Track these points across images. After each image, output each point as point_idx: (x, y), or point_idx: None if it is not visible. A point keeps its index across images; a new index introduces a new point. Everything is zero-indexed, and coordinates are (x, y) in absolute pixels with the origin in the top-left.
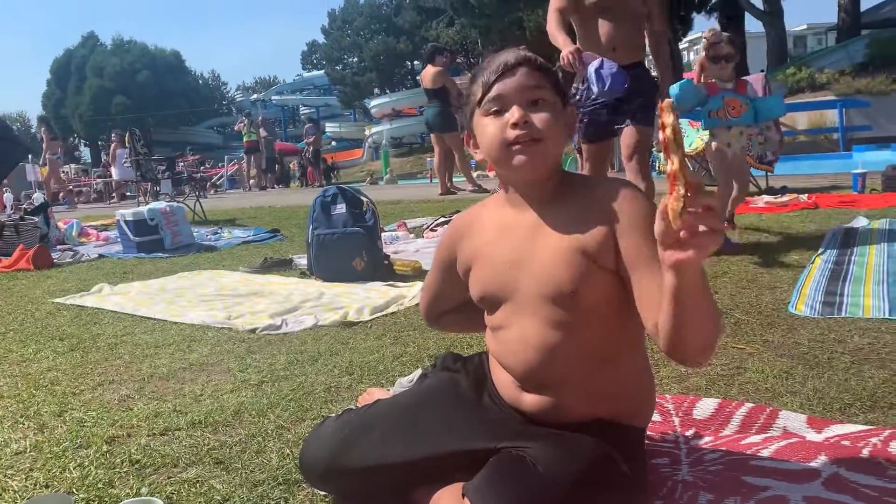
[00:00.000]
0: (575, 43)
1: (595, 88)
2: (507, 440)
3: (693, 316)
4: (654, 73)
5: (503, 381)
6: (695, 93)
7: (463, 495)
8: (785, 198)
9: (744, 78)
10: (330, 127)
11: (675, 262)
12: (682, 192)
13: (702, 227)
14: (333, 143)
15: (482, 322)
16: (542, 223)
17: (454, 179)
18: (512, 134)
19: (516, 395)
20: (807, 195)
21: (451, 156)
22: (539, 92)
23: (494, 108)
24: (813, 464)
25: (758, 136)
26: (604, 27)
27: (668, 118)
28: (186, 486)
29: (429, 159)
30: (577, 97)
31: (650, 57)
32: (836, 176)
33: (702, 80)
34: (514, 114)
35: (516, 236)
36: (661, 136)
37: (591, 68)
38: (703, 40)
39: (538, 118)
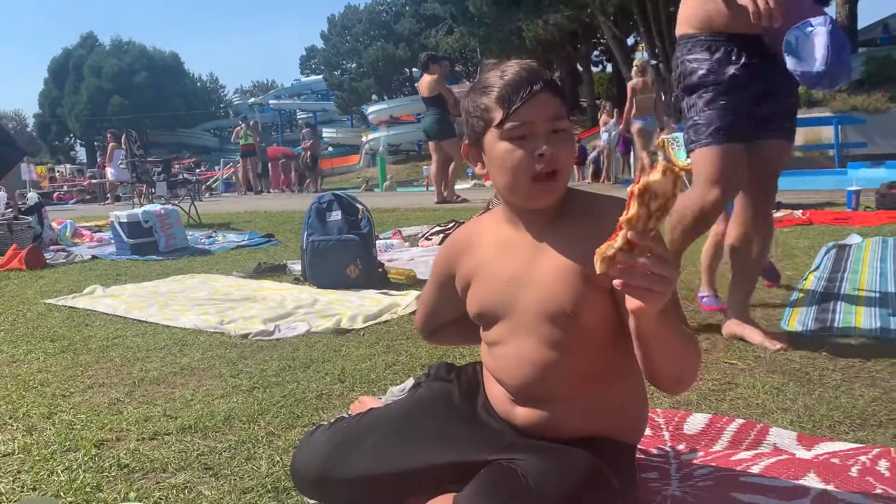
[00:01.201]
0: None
1: (811, 65)
2: (498, 452)
3: (659, 354)
4: None
5: (496, 395)
6: None
7: None
8: (779, 213)
9: None
10: (327, 132)
11: (629, 308)
12: (618, 245)
13: (640, 282)
14: (330, 148)
15: (478, 336)
16: (544, 241)
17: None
18: (539, 167)
19: (509, 408)
20: (801, 211)
21: (448, 164)
22: (560, 121)
23: (519, 135)
24: (802, 481)
25: None
26: None
27: (653, 176)
28: (174, 491)
29: (425, 167)
30: (709, 72)
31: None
32: (830, 192)
33: None
34: (545, 150)
35: (517, 254)
36: (631, 186)
37: (820, 32)
38: None
39: (561, 151)
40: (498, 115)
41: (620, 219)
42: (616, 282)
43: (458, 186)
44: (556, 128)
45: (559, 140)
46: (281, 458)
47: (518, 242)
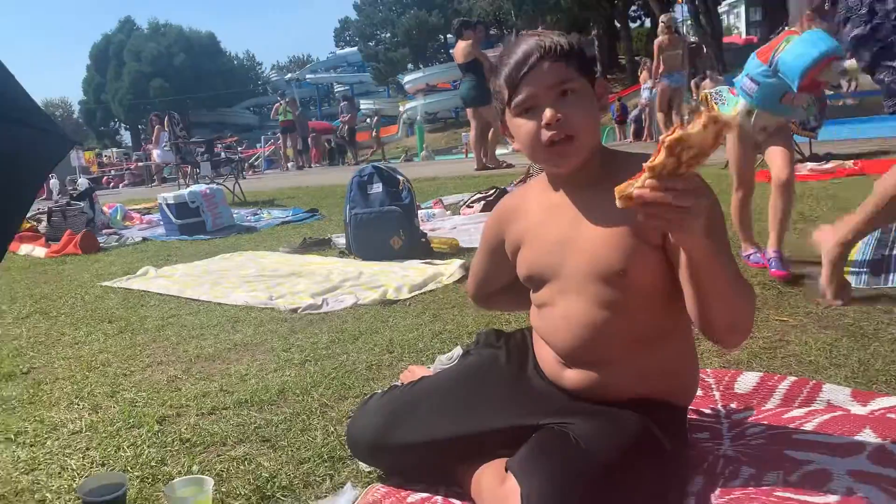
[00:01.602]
0: None
1: None
2: (549, 417)
3: (712, 293)
4: None
5: (546, 358)
6: None
7: (506, 470)
8: (829, 165)
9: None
10: (364, 104)
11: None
12: (637, 184)
13: (662, 213)
14: (368, 120)
15: (528, 301)
16: (590, 203)
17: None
18: (547, 135)
19: (559, 371)
20: (852, 161)
21: (487, 131)
22: (566, 84)
23: (525, 108)
24: (857, 437)
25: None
26: None
27: (690, 129)
28: (235, 463)
29: (464, 134)
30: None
31: None
32: (884, 140)
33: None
34: (546, 117)
35: (564, 216)
36: (663, 136)
37: None
38: None
39: (570, 113)
40: (506, 94)
41: (645, 163)
42: (640, 217)
43: (499, 152)
44: (562, 91)
45: (569, 102)
46: (335, 429)
47: (563, 205)
